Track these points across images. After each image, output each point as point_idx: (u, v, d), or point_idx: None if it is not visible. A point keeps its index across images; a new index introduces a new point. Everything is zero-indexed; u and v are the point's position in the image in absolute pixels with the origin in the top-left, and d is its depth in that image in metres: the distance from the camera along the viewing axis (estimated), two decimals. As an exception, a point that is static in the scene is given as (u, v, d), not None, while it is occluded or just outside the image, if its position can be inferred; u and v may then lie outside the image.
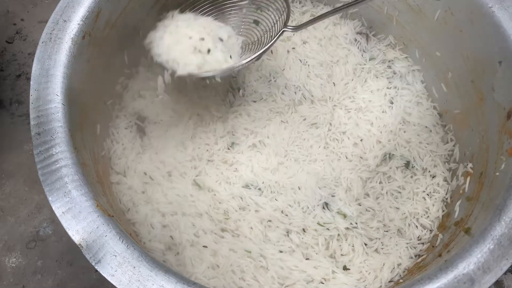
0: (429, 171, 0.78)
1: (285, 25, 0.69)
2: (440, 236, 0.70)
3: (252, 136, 0.80)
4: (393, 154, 0.79)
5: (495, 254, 0.53)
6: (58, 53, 0.62)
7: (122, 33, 0.76)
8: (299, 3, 0.91)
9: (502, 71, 0.67)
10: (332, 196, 0.75)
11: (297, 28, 0.69)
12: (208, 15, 0.75)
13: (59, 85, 0.61)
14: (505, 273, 0.53)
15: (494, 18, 0.68)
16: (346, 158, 0.79)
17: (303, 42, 0.88)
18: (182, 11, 0.74)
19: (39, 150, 0.56)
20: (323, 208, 0.74)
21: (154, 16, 0.83)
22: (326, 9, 0.91)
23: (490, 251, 0.53)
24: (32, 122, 0.58)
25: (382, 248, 0.72)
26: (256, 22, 0.75)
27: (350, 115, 0.82)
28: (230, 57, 0.70)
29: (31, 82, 0.60)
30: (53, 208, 0.53)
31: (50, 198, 0.53)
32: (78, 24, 0.65)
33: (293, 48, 0.88)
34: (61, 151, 0.56)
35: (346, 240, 0.72)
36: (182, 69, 0.68)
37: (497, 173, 0.63)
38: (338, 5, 0.90)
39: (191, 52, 0.68)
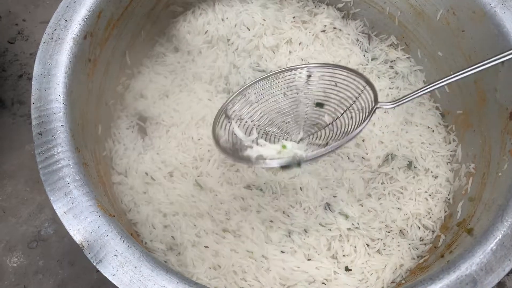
0: (432, 172, 0.78)
1: (376, 101, 0.60)
2: (443, 237, 0.69)
3: (254, 136, 0.79)
4: (395, 155, 0.79)
5: (498, 255, 0.53)
6: (59, 53, 0.62)
7: (124, 33, 0.76)
8: (299, 2, 0.91)
9: (504, 71, 0.66)
10: (334, 196, 0.75)
11: (396, 102, 0.60)
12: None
13: (61, 85, 0.61)
14: (507, 274, 0.52)
15: (497, 18, 0.67)
16: (348, 158, 0.78)
17: (305, 43, 0.88)
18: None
19: (40, 150, 0.56)
20: (325, 208, 0.74)
21: (156, 16, 0.83)
22: (328, 9, 0.91)
23: (492, 252, 0.53)
24: (33, 122, 0.58)
25: (384, 249, 0.72)
26: (319, 105, 0.68)
27: (352, 116, 0.82)
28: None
29: (33, 82, 0.60)
30: (55, 208, 0.53)
31: (51, 198, 0.53)
32: (80, 24, 0.65)
33: (295, 49, 0.88)
34: (62, 151, 0.56)
35: (348, 240, 0.71)
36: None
37: (500, 174, 0.63)
38: (340, 4, 0.91)
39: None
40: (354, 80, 0.64)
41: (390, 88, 0.86)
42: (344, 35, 0.90)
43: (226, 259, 0.69)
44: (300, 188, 0.75)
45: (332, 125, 0.65)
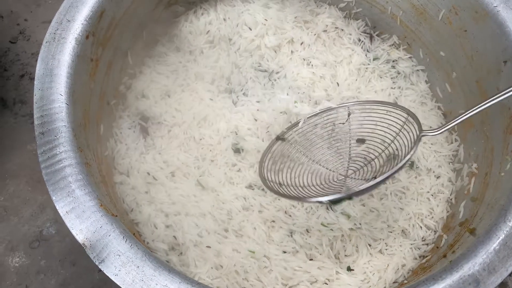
0: (434, 172, 0.78)
1: (421, 130, 0.62)
2: (445, 236, 0.69)
3: (255, 136, 0.79)
4: (397, 155, 0.79)
5: (501, 255, 0.53)
6: (61, 53, 0.62)
7: (125, 33, 0.76)
8: (301, 2, 0.91)
9: (507, 70, 0.66)
10: (336, 196, 0.75)
11: (439, 129, 0.61)
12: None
13: (63, 84, 0.61)
14: (510, 275, 0.52)
15: (499, 17, 0.67)
16: (350, 158, 0.78)
17: (307, 42, 0.88)
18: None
19: (43, 149, 0.56)
20: (327, 208, 0.74)
21: (158, 16, 0.83)
22: (330, 9, 0.90)
23: (495, 251, 0.53)
24: (36, 122, 0.58)
25: (386, 249, 0.71)
26: (361, 141, 0.69)
27: (354, 115, 0.82)
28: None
29: (35, 82, 0.60)
30: (57, 207, 0.53)
31: (53, 198, 0.53)
32: (82, 24, 0.65)
33: (297, 49, 0.88)
34: (64, 151, 0.56)
35: (350, 240, 0.71)
36: None
37: (502, 174, 0.63)
38: (342, 4, 0.91)
39: None
40: (394, 113, 0.67)
41: (392, 88, 0.86)
42: (346, 35, 0.90)
43: (228, 259, 0.68)
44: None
45: (378, 159, 0.66)
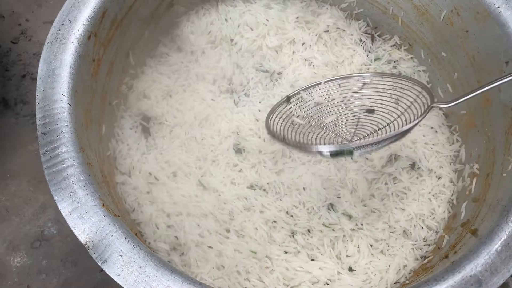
0: (435, 172, 0.78)
1: (432, 100, 0.62)
2: (446, 237, 0.69)
3: (257, 137, 0.79)
4: (398, 155, 0.79)
5: (503, 256, 0.53)
6: (64, 53, 0.62)
7: (127, 33, 0.76)
8: (302, 3, 0.91)
9: (508, 71, 0.66)
10: (338, 197, 0.75)
11: (452, 102, 0.62)
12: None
13: (65, 85, 0.61)
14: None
15: (501, 18, 0.67)
16: (351, 159, 0.78)
17: (308, 43, 0.88)
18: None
19: (45, 150, 0.56)
20: (328, 209, 0.74)
21: (159, 16, 0.83)
22: (331, 9, 0.91)
23: (497, 252, 0.53)
24: (38, 122, 0.58)
25: (387, 250, 0.72)
26: (370, 111, 0.69)
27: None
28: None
29: (37, 82, 0.60)
30: (59, 207, 0.53)
31: (56, 198, 0.53)
32: (84, 24, 0.65)
33: (298, 49, 0.88)
34: (67, 151, 0.56)
35: (351, 241, 0.71)
36: None
37: (504, 174, 0.63)
38: (343, 5, 0.91)
39: None
40: (406, 86, 0.66)
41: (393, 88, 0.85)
42: (347, 35, 0.90)
43: (229, 259, 0.69)
44: (304, 189, 0.75)
45: (385, 129, 0.66)
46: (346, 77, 0.72)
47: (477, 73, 0.73)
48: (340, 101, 0.71)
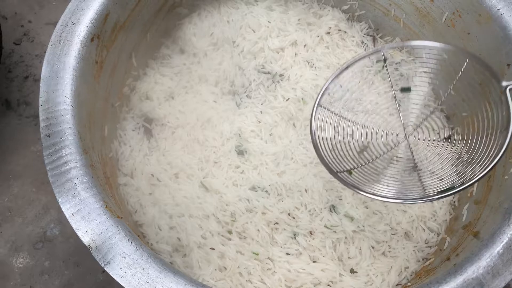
0: (436, 174, 0.78)
1: (499, 81, 0.49)
2: (448, 239, 0.69)
3: (259, 138, 0.80)
4: (400, 157, 0.79)
5: (505, 258, 0.53)
6: (67, 55, 0.63)
7: (130, 35, 0.76)
8: (304, 4, 0.91)
9: (510, 73, 0.66)
10: (339, 198, 0.75)
11: None
12: None
13: (68, 87, 0.61)
14: (514, 278, 0.53)
15: (503, 20, 0.68)
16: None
17: (310, 45, 0.88)
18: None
19: (48, 151, 0.56)
20: (330, 210, 0.74)
21: (162, 18, 0.84)
22: (333, 11, 0.91)
23: (499, 255, 0.53)
24: (41, 124, 0.58)
25: (389, 251, 0.72)
26: (406, 90, 0.59)
27: (357, 117, 0.82)
28: None
29: (41, 84, 0.60)
30: (63, 209, 0.53)
31: (59, 200, 0.53)
32: (87, 26, 0.65)
33: (300, 51, 0.88)
34: (70, 153, 0.57)
35: (353, 243, 0.72)
36: None
37: (506, 177, 0.63)
38: (345, 6, 0.91)
39: None
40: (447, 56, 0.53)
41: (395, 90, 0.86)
42: (349, 37, 0.90)
43: (231, 261, 0.69)
44: (305, 190, 0.75)
45: (434, 113, 0.55)
46: (361, 58, 0.62)
47: (479, 75, 0.73)
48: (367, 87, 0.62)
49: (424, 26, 0.82)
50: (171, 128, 0.81)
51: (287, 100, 0.82)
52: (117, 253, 0.51)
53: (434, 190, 0.55)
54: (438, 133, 0.57)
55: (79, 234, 0.52)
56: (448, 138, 0.56)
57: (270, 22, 0.87)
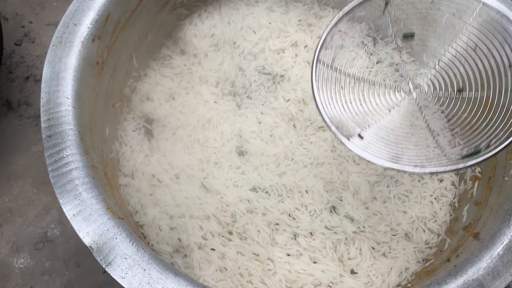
0: (437, 175, 0.78)
1: None
2: (448, 240, 0.69)
3: (259, 139, 0.80)
4: (401, 158, 0.79)
5: (505, 260, 0.53)
6: (68, 56, 0.63)
7: (131, 36, 0.76)
8: (305, 5, 0.91)
9: None
10: (340, 199, 0.75)
11: None
12: None
13: (69, 88, 0.61)
14: (514, 279, 0.53)
15: (504, 21, 0.67)
16: (354, 161, 0.78)
17: (311, 45, 0.89)
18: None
19: (49, 152, 0.56)
20: (331, 211, 0.74)
21: (163, 19, 0.84)
22: (333, 12, 0.91)
23: (499, 256, 0.53)
24: (42, 125, 0.58)
25: (389, 252, 0.72)
26: (408, 36, 0.55)
27: (358, 118, 0.82)
28: None
29: (42, 85, 0.60)
30: (64, 210, 0.53)
31: (61, 201, 0.53)
32: (88, 27, 0.65)
33: (300, 52, 0.88)
34: (71, 154, 0.57)
35: (353, 243, 0.72)
36: None
37: (506, 178, 0.63)
38: (346, 8, 0.91)
39: None
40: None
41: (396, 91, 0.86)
42: (349, 38, 0.90)
43: (232, 262, 0.69)
44: (306, 191, 0.75)
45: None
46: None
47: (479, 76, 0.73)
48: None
49: (424, 27, 0.82)
50: (172, 128, 0.81)
51: (288, 101, 0.82)
52: (118, 254, 0.51)
53: (456, 155, 0.52)
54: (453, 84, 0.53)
55: (81, 235, 0.52)
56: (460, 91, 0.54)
57: (270, 23, 0.87)
